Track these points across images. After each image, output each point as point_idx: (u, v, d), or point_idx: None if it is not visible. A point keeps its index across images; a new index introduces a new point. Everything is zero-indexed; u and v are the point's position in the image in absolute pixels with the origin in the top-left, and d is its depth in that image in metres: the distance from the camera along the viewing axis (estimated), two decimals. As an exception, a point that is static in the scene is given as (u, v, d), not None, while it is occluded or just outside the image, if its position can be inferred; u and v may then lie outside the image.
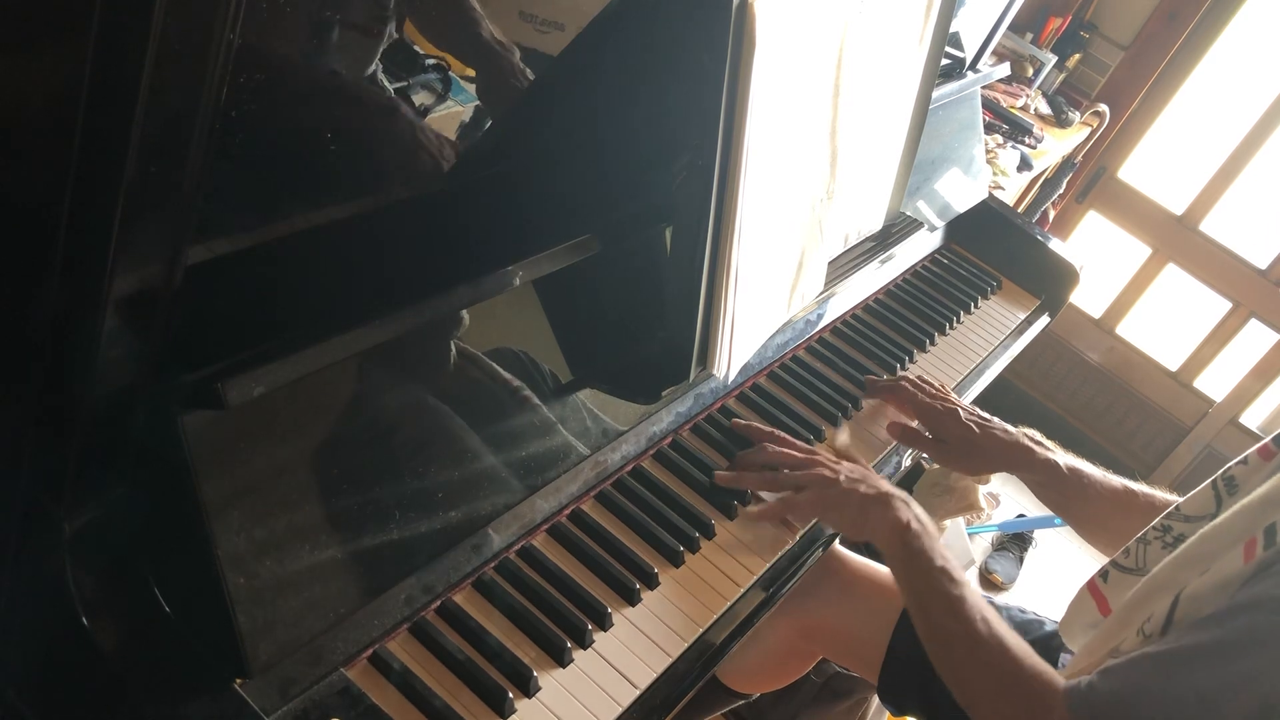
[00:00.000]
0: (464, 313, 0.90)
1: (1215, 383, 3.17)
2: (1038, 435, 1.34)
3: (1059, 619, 1.33)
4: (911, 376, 1.41)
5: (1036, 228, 1.90)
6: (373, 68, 0.78)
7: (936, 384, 1.39)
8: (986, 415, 1.35)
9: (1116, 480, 1.29)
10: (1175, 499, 1.25)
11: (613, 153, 1.05)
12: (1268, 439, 1.02)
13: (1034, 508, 3.03)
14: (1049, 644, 1.30)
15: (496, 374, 0.95)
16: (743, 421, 1.22)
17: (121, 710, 0.71)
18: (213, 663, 0.72)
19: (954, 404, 1.35)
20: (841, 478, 1.12)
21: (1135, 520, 1.25)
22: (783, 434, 1.20)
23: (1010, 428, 1.34)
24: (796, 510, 1.14)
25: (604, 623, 0.95)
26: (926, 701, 1.23)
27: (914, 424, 1.37)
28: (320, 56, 0.73)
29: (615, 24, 0.95)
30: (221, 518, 0.71)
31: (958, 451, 1.32)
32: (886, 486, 1.11)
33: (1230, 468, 1.03)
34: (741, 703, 1.59)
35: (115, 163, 0.57)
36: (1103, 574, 1.10)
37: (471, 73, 0.88)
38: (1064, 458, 1.31)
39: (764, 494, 1.17)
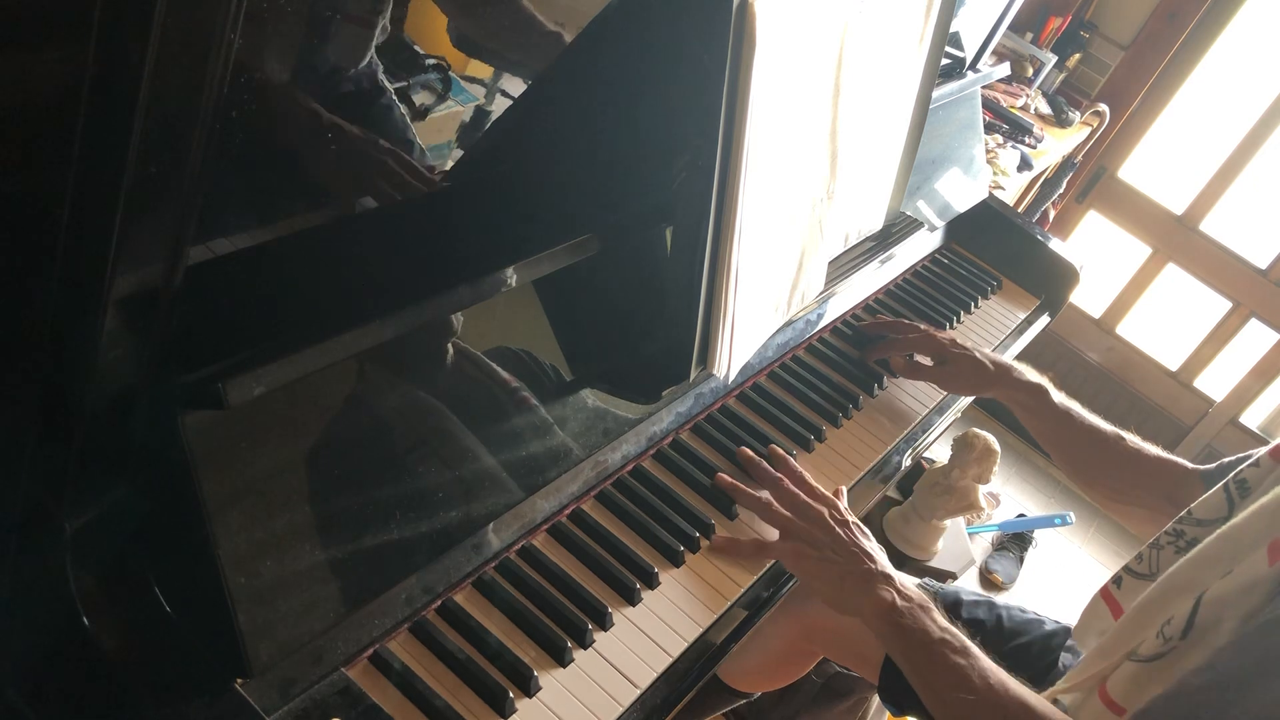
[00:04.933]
0: (458, 315, 0.90)
1: (1215, 383, 3.17)
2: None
3: (1059, 618, 1.34)
4: (887, 318, 1.50)
5: (1036, 227, 1.90)
6: (367, 60, 0.77)
7: (908, 320, 1.49)
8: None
9: (1108, 426, 1.33)
10: (1169, 456, 1.27)
11: (613, 153, 1.05)
12: (1277, 441, 1.02)
13: (1035, 508, 3.03)
14: (1048, 643, 1.30)
15: (496, 374, 0.95)
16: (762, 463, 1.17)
17: (121, 710, 0.71)
18: (213, 663, 0.72)
19: (927, 330, 1.44)
20: (830, 544, 1.05)
21: (1112, 462, 1.29)
22: (804, 475, 1.15)
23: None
24: (771, 557, 1.08)
25: (604, 622, 0.95)
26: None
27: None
28: (318, 50, 0.73)
29: (615, 24, 0.95)
30: (222, 518, 0.71)
31: (962, 368, 1.39)
32: (870, 564, 1.04)
33: (1242, 470, 1.03)
34: (742, 702, 1.59)
35: (115, 163, 0.57)
36: (1116, 580, 1.09)
37: (471, 73, 0.89)
38: (1057, 393, 1.36)
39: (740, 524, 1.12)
